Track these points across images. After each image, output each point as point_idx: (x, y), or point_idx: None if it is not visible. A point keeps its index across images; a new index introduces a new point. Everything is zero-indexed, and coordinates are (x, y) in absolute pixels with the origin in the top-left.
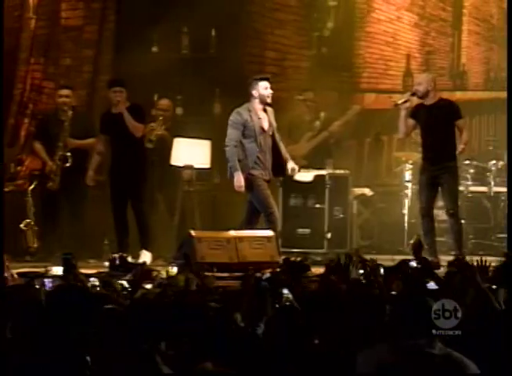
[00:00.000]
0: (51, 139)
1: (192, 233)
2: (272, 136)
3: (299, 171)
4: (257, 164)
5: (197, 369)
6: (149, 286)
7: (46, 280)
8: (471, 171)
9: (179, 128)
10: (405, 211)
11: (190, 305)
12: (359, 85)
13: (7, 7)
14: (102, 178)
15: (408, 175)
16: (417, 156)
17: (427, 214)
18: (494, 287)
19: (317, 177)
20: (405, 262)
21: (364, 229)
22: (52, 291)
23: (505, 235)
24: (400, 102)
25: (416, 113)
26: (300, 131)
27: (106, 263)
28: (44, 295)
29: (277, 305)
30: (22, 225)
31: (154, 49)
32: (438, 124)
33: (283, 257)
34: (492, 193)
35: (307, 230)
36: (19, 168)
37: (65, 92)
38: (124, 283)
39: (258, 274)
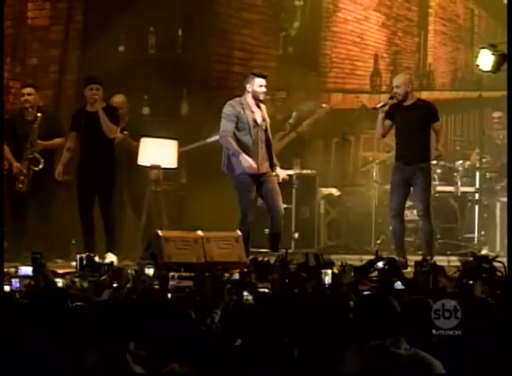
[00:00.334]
0: (18, 140)
1: (160, 233)
2: (266, 131)
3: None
4: (251, 156)
5: (164, 370)
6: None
7: (13, 279)
8: (438, 171)
9: (146, 127)
10: (373, 211)
11: (155, 304)
12: (326, 85)
13: None
14: (71, 178)
15: (375, 175)
16: (385, 155)
17: (397, 214)
18: (470, 282)
19: (289, 177)
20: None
21: (331, 228)
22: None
23: (472, 235)
24: (379, 106)
25: (391, 113)
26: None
27: (73, 263)
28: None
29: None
30: None
31: (121, 49)
32: (414, 124)
33: (251, 257)
34: (459, 193)
35: None
36: None
37: (28, 90)
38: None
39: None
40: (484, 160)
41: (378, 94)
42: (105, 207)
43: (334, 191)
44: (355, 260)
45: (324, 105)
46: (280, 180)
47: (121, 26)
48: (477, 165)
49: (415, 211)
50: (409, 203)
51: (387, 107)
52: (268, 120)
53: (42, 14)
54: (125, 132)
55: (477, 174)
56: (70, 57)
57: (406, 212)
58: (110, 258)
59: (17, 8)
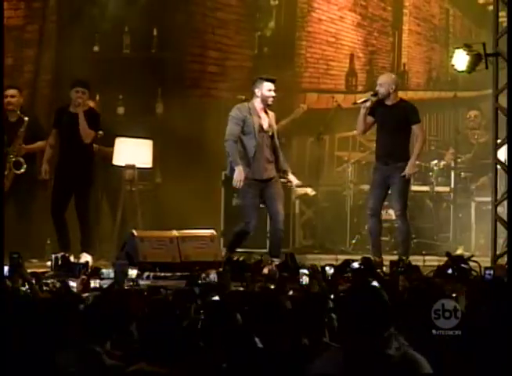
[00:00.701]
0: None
1: (135, 232)
2: (272, 137)
3: None
4: (254, 161)
5: (132, 369)
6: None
7: None
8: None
9: (121, 127)
10: (348, 211)
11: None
12: (301, 85)
13: None
14: (47, 178)
15: (350, 175)
16: (360, 155)
17: (374, 214)
18: (454, 295)
19: None
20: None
21: (306, 228)
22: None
23: (447, 234)
24: (359, 101)
25: (375, 110)
26: None
27: (49, 263)
28: None
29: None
30: None
31: (96, 49)
32: (393, 124)
33: (226, 256)
34: (434, 193)
35: None
36: None
37: (11, 92)
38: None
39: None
40: (459, 159)
41: (353, 94)
42: (81, 207)
43: (309, 191)
44: (331, 260)
45: (302, 105)
46: (294, 186)
47: (96, 25)
48: (452, 165)
49: (390, 211)
50: (384, 203)
51: (368, 103)
52: (275, 126)
53: (17, 14)
54: (100, 132)
55: (452, 173)
56: (45, 57)
57: (381, 212)
58: (85, 257)
59: None
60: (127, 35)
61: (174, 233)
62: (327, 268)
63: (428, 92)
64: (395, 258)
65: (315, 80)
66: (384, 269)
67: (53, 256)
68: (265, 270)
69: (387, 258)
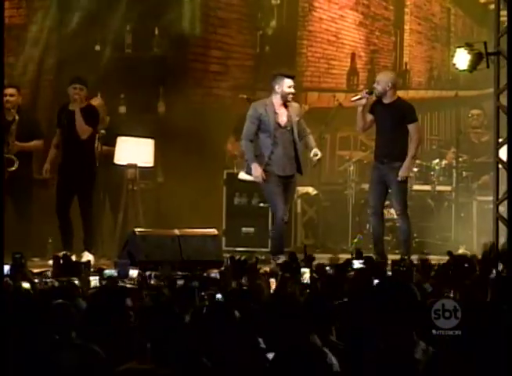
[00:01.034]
0: None
1: (137, 231)
2: (292, 133)
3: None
4: (272, 159)
5: (123, 368)
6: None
7: None
8: (415, 169)
9: (123, 126)
10: (349, 210)
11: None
12: (302, 84)
13: None
14: (50, 177)
15: (352, 174)
16: (361, 154)
17: (376, 212)
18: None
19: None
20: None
21: (308, 227)
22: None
23: (449, 234)
24: (354, 99)
25: (374, 109)
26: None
27: (50, 262)
28: None
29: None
30: None
31: (97, 48)
32: (391, 123)
33: (229, 255)
34: (435, 192)
35: (251, 229)
36: None
37: (10, 91)
38: None
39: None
40: (460, 159)
41: (355, 93)
42: (84, 206)
43: (311, 190)
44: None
45: (304, 105)
46: (313, 160)
47: (98, 25)
48: (454, 164)
49: (392, 210)
50: (386, 202)
51: (364, 101)
52: (295, 119)
53: (19, 13)
54: (102, 131)
55: (454, 173)
56: (47, 56)
57: (384, 211)
58: (87, 256)
59: None
60: (128, 34)
61: (176, 231)
62: (327, 268)
63: (429, 91)
64: (397, 257)
65: (316, 79)
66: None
67: (55, 255)
68: (267, 269)
69: (390, 258)
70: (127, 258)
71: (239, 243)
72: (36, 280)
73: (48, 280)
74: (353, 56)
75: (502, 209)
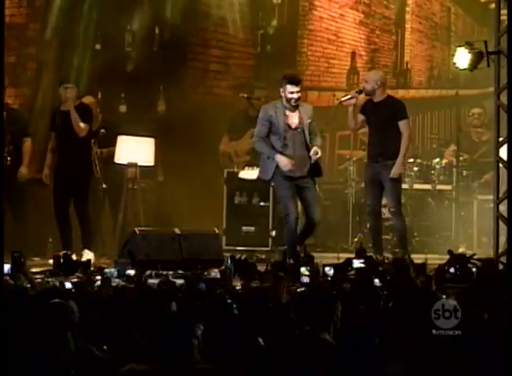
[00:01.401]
0: None
1: (137, 230)
2: (304, 134)
3: (243, 168)
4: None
5: (123, 369)
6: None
7: None
8: (415, 168)
9: (123, 125)
10: (350, 209)
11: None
12: (303, 83)
13: None
14: (48, 183)
15: (352, 173)
16: (361, 153)
17: (372, 211)
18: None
19: None
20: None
21: None
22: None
23: (449, 233)
24: (343, 99)
25: (364, 108)
26: (243, 126)
27: (51, 261)
28: None
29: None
30: None
31: (98, 47)
32: (382, 122)
33: (229, 254)
34: (436, 191)
35: (251, 228)
36: None
37: None
38: None
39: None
40: (461, 158)
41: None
42: (80, 206)
43: None
44: (333, 258)
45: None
46: (312, 159)
47: (98, 23)
48: (454, 163)
49: None
50: (385, 201)
51: (353, 101)
52: (306, 121)
53: (20, 12)
54: (102, 131)
55: (454, 172)
56: (47, 55)
57: (383, 210)
58: (87, 255)
59: None
60: (129, 33)
61: (176, 230)
62: (327, 268)
63: (430, 91)
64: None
65: (316, 78)
66: None
67: (55, 254)
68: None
69: (389, 257)
70: (127, 257)
71: (239, 242)
72: (39, 280)
73: (49, 280)
74: (353, 54)
75: (503, 208)
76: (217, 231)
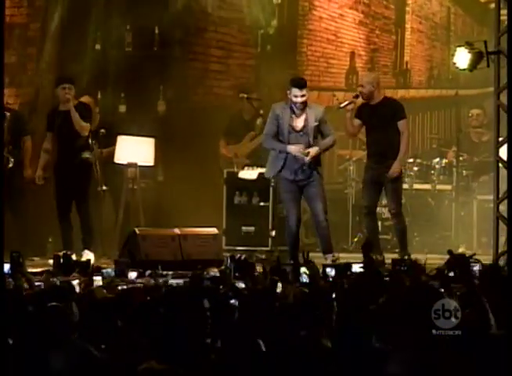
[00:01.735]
0: None
1: (137, 230)
2: (308, 136)
3: (243, 168)
4: (285, 163)
5: (142, 367)
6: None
7: None
8: (415, 168)
9: (123, 125)
10: (350, 209)
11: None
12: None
13: None
14: (47, 176)
15: (352, 173)
16: (361, 153)
17: (370, 212)
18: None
19: (261, 175)
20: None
21: (308, 227)
22: None
23: (449, 233)
24: (343, 105)
25: (360, 112)
26: (241, 130)
27: (51, 261)
28: None
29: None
30: None
31: (97, 47)
32: (381, 122)
33: (229, 254)
34: (436, 191)
35: (251, 228)
36: None
37: None
38: None
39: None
40: (461, 158)
41: (354, 92)
42: (81, 205)
43: None
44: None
45: None
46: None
47: (98, 23)
48: (454, 163)
49: None
50: (385, 201)
51: (352, 106)
52: (312, 124)
53: (20, 12)
54: (102, 131)
55: (454, 172)
56: (48, 55)
57: (383, 210)
58: (87, 255)
59: None
60: (129, 33)
61: (176, 231)
62: (328, 269)
63: (430, 90)
64: (397, 256)
65: (315, 78)
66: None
67: (55, 254)
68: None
69: (389, 257)
70: (127, 257)
71: (239, 242)
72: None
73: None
74: (352, 54)
75: (503, 208)
76: (216, 231)
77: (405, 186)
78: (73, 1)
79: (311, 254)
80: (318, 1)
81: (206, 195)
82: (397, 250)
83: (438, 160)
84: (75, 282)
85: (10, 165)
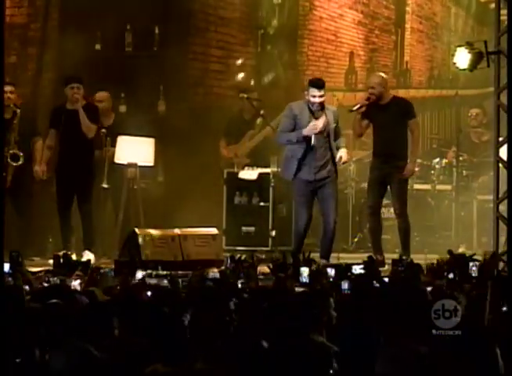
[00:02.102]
0: None
1: (137, 231)
2: (328, 137)
3: (243, 168)
4: (302, 163)
5: (148, 370)
6: None
7: None
8: (415, 168)
9: (123, 125)
10: (350, 209)
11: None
12: (303, 83)
13: None
14: (48, 175)
15: (352, 173)
16: (361, 153)
17: (374, 212)
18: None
19: (261, 175)
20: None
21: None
22: None
23: (449, 233)
24: (355, 108)
25: (368, 112)
26: (241, 130)
27: (51, 261)
28: None
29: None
30: None
31: (97, 47)
32: (390, 122)
33: (229, 254)
34: (436, 191)
35: (251, 228)
36: None
37: (9, 88)
38: None
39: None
40: (461, 158)
41: (353, 92)
42: (84, 205)
43: None
44: (333, 258)
45: None
46: (340, 163)
47: (98, 23)
48: (454, 163)
49: (392, 209)
50: (386, 201)
51: (363, 109)
52: (332, 125)
53: (20, 12)
54: (103, 130)
55: (454, 172)
56: (48, 55)
57: (383, 210)
58: (88, 255)
59: None
60: (129, 33)
61: (176, 231)
62: (328, 269)
63: (430, 90)
64: (397, 256)
65: None
66: (386, 267)
67: (55, 254)
68: (262, 269)
69: (389, 257)
70: (127, 257)
71: (239, 242)
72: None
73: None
74: (351, 54)
75: (503, 208)
76: (216, 231)
77: None
78: (74, 1)
79: (311, 255)
80: (318, 1)
81: (206, 195)
82: (397, 250)
83: (437, 160)
84: (76, 282)
85: (20, 162)
